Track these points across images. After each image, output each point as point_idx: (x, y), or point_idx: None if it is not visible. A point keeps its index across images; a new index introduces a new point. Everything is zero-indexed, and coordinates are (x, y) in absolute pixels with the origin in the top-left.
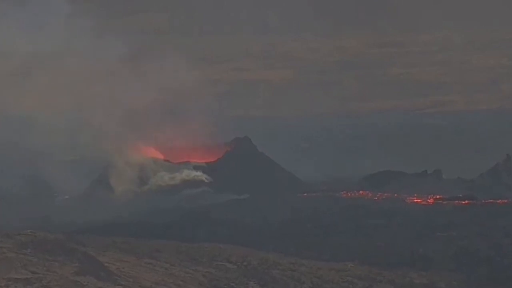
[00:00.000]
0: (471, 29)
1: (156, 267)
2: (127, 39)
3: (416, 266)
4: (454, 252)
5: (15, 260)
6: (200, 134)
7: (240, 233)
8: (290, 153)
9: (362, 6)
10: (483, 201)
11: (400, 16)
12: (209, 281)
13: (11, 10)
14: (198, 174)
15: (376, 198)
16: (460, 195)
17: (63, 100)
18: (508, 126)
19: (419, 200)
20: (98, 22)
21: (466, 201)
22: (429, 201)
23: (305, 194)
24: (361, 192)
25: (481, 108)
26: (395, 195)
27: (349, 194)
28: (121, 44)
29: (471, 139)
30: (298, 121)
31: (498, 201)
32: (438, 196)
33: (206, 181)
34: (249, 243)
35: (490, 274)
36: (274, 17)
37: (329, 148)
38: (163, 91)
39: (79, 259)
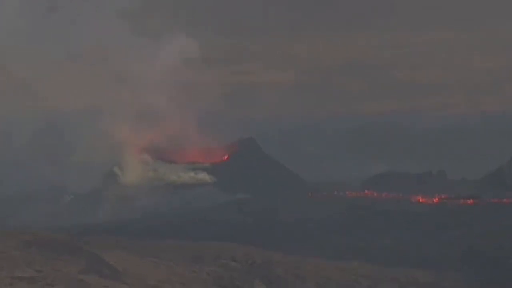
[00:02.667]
0: (474, 31)
1: (161, 265)
2: (129, 40)
3: (420, 265)
4: (458, 252)
5: (19, 258)
6: (205, 135)
7: (244, 232)
8: (295, 153)
9: (365, 8)
10: (487, 201)
11: (403, 17)
12: (214, 279)
13: None
14: (203, 174)
15: (381, 198)
16: (465, 195)
17: (70, 102)
18: None
19: (423, 200)
20: (103, 24)
21: (471, 201)
22: (434, 201)
23: (309, 194)
24: (365, 192)
25: (485, 109)
26: (400, 195)
27: (354, 194)
28: (124, 45)
29: (475, 140)
30: (303, 122)
31: (502, 201)
32: (442, 196)
33: (211, 181)
34: (253, 242)
35: (495, 273)
36: (277, 18)
37: (334, 148)
38: (168, 93)
39: (84, 257)
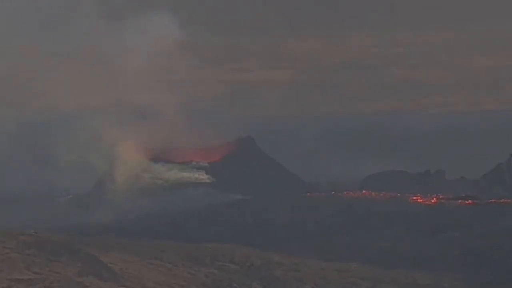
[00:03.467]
0: (474, 30)
1: (159, 267)
2: (128, 39)
3: (419, 266)
4: (457, 252)
5: (18, 260)
6: (202, 134)
7: (242, 233)
8: (293, 153)
9: (365, 7)
10: (486, 201)
11: (402, 16)
12: (212, 281)
13: None
14: (201, 174)
15: (379, 198)
16: (463, 195)
17: (66, 101)
18: (511, 126)
19: (422, 200)
20: (99, 23)
21: (469, 201)
22: (432, 201)
23: (308, 194)
24: (364, 192)
25: (484, 108)
26: (398, 195)
27: (352, 194)
28: (123, 44)
29: (474, 139)
30: (301, 121)
31: (501, 201)
32: (441, 196)
33: (208, 181)
34: (252, 244)
35: (494, 274)
36: (276, 17)
37: (332, 148)
38: (165, 92)
39: (82, 259)
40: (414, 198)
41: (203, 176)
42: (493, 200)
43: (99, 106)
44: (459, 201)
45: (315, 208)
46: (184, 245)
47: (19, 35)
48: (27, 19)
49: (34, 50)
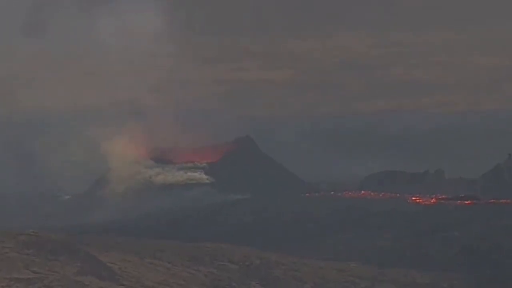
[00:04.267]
0: (474, 30)
1: (159, 267)
2: (127, 39)
3: (418, 265)
4: (456, 252)
5: (17, 260)
6: (202, 134)
7: (242, 233)
8: (292, 153)
9: (364, 6)
10: (485, 201)
11: (402, 16)
12: (211, 281)
13: None
14: (200, 174)
15: (378, 198)
16: (462, 195)
17: (64, 101)
18: (510, 126)
19: (421, 200)
20: (96, 21)
21: (468, 201)
22: (431, 201)
23: (307, 194)
24: (363, 192)
25: (483, 108)
26: (397, 195)
27: (351, 194)
28: (121, 44)
29: (473, 139)
30: (300, 121)
31: (500, 201)
32: (440, 196)
33: (208, 181)
34: (251, 243)
35: (492, 273)
36: (276, 17)
37: (331, 148)
38: (165, 91)
39: (81, 259)
40: (413, 198)
41: (202, 176)
42: (492, 200)
43: (98, 106)
44: (458, 201)
45: (314, 208)
46: (184, 244)
47: (13, 35)
48: (21, 19)
49: (29, 50)
